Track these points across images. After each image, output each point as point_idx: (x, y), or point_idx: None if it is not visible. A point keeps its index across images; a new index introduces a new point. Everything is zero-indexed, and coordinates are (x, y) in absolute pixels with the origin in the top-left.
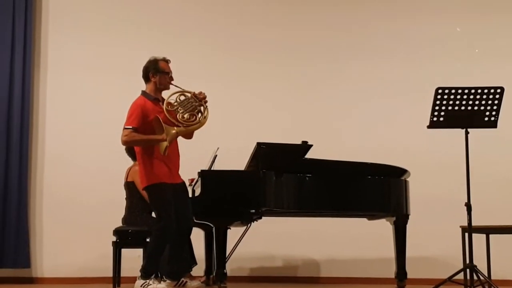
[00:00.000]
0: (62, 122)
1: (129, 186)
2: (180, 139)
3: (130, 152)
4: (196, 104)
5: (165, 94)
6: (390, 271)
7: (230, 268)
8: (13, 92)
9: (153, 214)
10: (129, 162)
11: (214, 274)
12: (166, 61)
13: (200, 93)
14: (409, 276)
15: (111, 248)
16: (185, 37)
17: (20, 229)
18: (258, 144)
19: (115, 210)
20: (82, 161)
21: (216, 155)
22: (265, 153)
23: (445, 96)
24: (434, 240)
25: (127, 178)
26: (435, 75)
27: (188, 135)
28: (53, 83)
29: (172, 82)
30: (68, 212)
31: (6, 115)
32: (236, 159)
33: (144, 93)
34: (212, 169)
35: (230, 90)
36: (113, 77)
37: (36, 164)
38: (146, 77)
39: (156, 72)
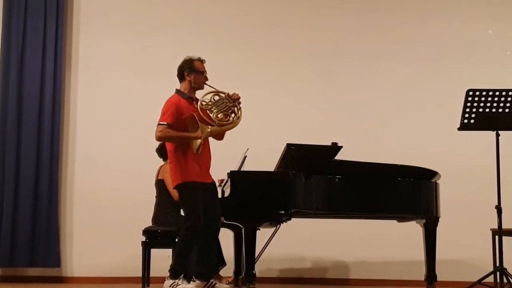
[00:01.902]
0: (93, 123)
1: (159, 184)
2: (211, 140)
3: (161, 151)
4: (230, 105)
5: (199, 94)
6: (420, 274)
7: (259, 269)
8: (44, 93)
9: (182, 213)
10: (159, 162)
11: (243, 275)
12: (201, 61)
13: (234, 94)
14: (438, 278)
15: (141, 248)
16: (216, 38)
17: (51, 229)
18: (288, 145)
19: (144, 211)
20: (113, 162)
21: (246, 156)
22: (294, 154)
23: (476, 98)
24: (464, 243)
25: (157, 176)
26: (466, 77)
27: (219, 136)
28: (84, 84)
29: (207, 82)
30: (98, 212)
31: (38, 116)
32: (265, 160)
33: (178, 91)
34: (241, 170)
35: (260, 91)
36: (144, 79)
37: (66, 165)
38: (181, 76)
39: (191, 71)
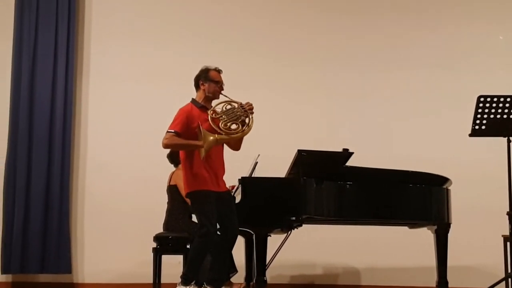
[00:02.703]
0: (104, 128)
1: (172, 190)
2: (226, 149)
3: (172, 157)
4: (240, 114)
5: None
6: (431, 280)
7: (270, 275)
8: (55, 98)
9: (194, 218)
10: (171, 168)
11: (254, 281)
12: (218, 71)
13: (247, 103)
14: (450, 285)
15: (152, 254)
16: (227, 43)
17: (62, 235)
18: (299, 151)
19: (155, 217)
20: (123, 168)
21: (257, 162)
22: (306, 160)
23: (487, 104)
24: (475, 249)
25: (169, 182)
26: (477, 83)
27: (235, 146)
28: (95, 91)
29: (222, 92)
30: (109, 218)
31: (49, 121)
32: (276, 166)
33: (193, 100)
34: (252, 176)
35: (272, 97)
36: (155, 84)
37: (77, 171)
38: (197, 85)
39: (206, 80)
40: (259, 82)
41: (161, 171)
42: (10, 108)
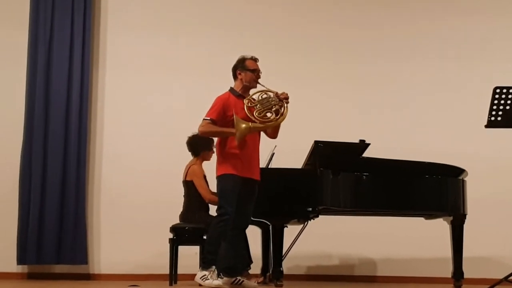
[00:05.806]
0: (120, 121)
1: (188, 185)
2: (264, 138)
3: (191, 146)
4: (274, 103)
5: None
6: (447, 271)
7: (287, 266)
8: (71, 90)
9: (210, 212)
10: (186, 160)
11: (270, 272)
12: (254, 59)
13: (283, 93)
14: (465, 276)
15: (168, 245)
16: (243, 34)
17: (78, 226)
18: (316, 142)
19: (171, 208)
20: (140, 159)
21: (274, 153)
22: (322, 151)
23: (503, 96)
24: (490, 240)
25: (185, 177)
26: (493, 74)
27: (272, 134)
28: (111, 82)
29: (259, 81)
30: (125, 209)
31: (65, 113)
32: (293, 157)
33: (231, 89)
34: (269, 167)
35: (288, 88)
36: (171, 75)
37: (93, 162)
38: (234, 75)
39: (243, 69)
40: (276, 73)
41: (177, 163)
42: (25, 99)
